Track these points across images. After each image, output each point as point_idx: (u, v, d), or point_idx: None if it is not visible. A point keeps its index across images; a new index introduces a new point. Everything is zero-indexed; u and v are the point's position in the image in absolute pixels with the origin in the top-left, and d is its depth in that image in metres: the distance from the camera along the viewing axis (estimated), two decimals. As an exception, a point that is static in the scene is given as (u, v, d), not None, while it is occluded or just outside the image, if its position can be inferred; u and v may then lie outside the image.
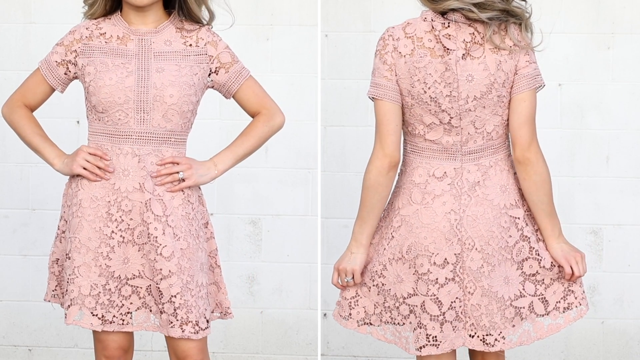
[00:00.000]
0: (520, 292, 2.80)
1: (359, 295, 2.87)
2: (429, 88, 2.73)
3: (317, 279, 4.54)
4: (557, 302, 2.83)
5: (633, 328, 4.50)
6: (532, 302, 2.82)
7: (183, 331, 2.86)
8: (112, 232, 2.88)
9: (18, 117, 3.09)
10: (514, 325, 2.79)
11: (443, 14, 2.75)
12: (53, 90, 3.08)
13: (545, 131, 4.19)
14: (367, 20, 4.50)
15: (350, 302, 2.88)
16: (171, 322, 2.86)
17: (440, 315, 2.75)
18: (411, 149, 2.82)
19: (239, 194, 4.56)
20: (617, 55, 4.44)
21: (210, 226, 3.03)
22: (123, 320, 2.92)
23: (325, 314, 4.58)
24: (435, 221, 2.75)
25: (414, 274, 2.76)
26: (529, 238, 2.80)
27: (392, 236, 2.80)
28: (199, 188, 3.02)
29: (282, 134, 4.58)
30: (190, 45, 2.94)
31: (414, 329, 2.77)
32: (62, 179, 4.62)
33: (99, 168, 2.90)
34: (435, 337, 2.75)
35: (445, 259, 2.74)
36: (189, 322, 2.86)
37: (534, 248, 2.80)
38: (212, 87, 3.01)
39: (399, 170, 2.84)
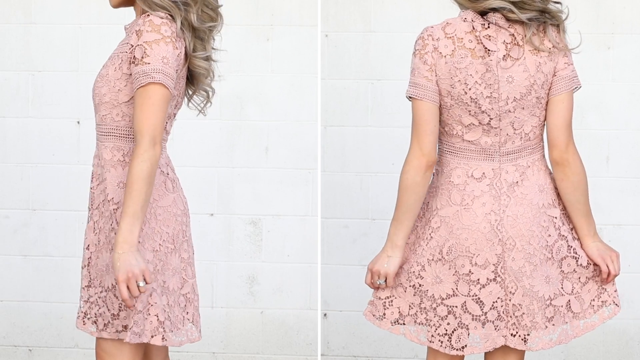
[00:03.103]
0: (559, 291, 2.80)
1: (393, 296, 2.86)
2: (470, 89, 2.73)
3: (317, 279, 4.54)
4: (591, 300, 2.84)
5: (633, 328, 4.50)
6: (569, 300, 2.82)
7: (84, 324, 2.78)
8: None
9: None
10: (553, 325, 2.79)
11: (483, 14, 2.75)
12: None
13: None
14: (367, 20, 4.50)
15: (384, 302, 2.86)
16: (77, 314, 2.80)
17: (482, 315, 2.76)
18: (447, 149, 2.81)
19: (239, 194, 4.56)
20: (617, 55, 4.44)
21: (174, 240, 2.77)
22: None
23: (325, 314, 4.58)
24: (476, 222, 2.75)
25: (454, 274, 2.76)
26: (566, 237, 2.81)
27: (431, 237, 2.80)
28: (174, 191, 2.80)
29: (282, 134, 4.60)
30: (125, 35, 2.75)
31: (454, 329, 2.77)
32: (62, 180, 4.63)
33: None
34: (477, 336, 2.76)
35: (487, 259, 2.75)
36: (89, 317, 2.77)
37: (571, 247, 2.82)
38: None
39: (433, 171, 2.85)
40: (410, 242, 2.86)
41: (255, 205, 4.57)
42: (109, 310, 2.74)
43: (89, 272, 2.78)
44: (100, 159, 2.77)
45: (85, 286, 2.79)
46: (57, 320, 4.60)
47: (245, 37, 4.53)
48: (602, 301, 2.85)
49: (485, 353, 2.91)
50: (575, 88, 2.78)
